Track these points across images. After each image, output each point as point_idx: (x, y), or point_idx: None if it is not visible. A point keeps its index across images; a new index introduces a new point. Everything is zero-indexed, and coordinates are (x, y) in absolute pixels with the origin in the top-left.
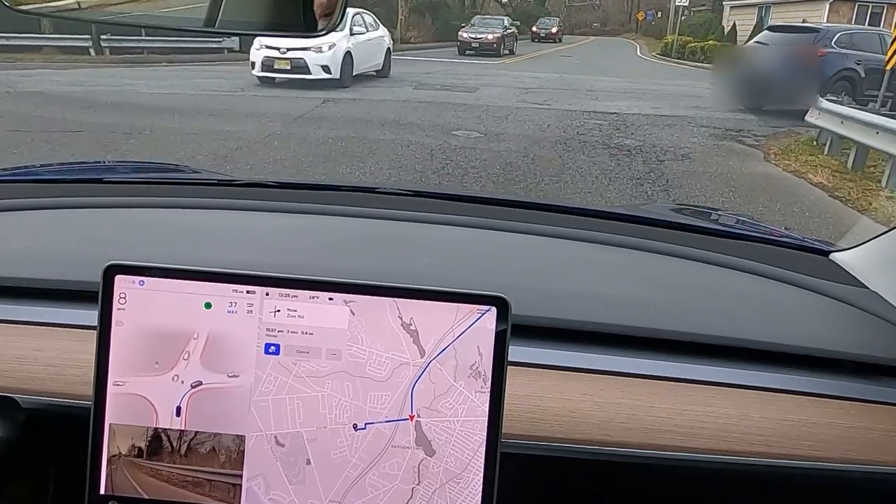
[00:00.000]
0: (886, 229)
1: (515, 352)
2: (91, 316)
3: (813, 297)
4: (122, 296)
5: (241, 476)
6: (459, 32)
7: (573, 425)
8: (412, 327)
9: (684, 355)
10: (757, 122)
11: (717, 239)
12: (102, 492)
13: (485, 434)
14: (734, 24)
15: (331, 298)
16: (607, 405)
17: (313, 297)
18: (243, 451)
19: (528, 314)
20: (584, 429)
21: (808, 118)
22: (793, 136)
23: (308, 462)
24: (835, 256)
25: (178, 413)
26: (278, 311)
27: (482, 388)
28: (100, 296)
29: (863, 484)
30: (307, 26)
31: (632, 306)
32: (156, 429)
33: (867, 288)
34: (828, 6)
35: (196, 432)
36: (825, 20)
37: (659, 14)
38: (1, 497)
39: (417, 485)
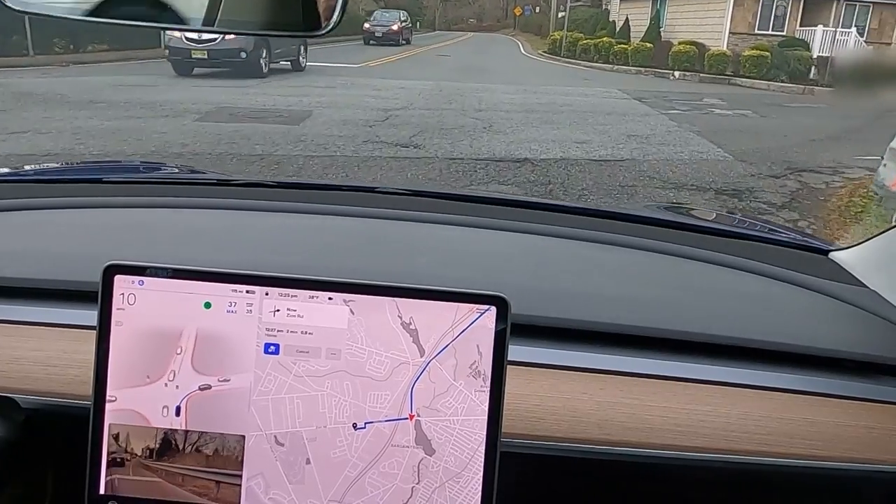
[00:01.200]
0: (885, 228)
1: (515, 351)
2: (91, 316)
3: (812, 296)
4: (122, 296)
5: (240, 476)
6: (170, 35)
7: (573, 424)
8: (412, 327)
9: (684, 354)
10: (740, 166)
11: (717, 238)
12: (102, 492)
13: (484, 433)
14: (627, 19)
15: (330, 298)
16: (607, 404)
17: (313, 297)
18: (243, 451)
19: (527, 313)
20: (584, 428)
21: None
22: (812, 193)
23: (308, 461)
24: (834, 255)
25: (178, 413)
26: (278, 310)
27: (482, 387)
28: (99, 296)
29: (863, 483)
30: (307, 25)
31: (632, 306)
32: (155, 429)
33: (866, 287)
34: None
35: (196, 432)
36: (730, 14)
37: (537, 9)
38: (1, 497)
39: (417, 484)
